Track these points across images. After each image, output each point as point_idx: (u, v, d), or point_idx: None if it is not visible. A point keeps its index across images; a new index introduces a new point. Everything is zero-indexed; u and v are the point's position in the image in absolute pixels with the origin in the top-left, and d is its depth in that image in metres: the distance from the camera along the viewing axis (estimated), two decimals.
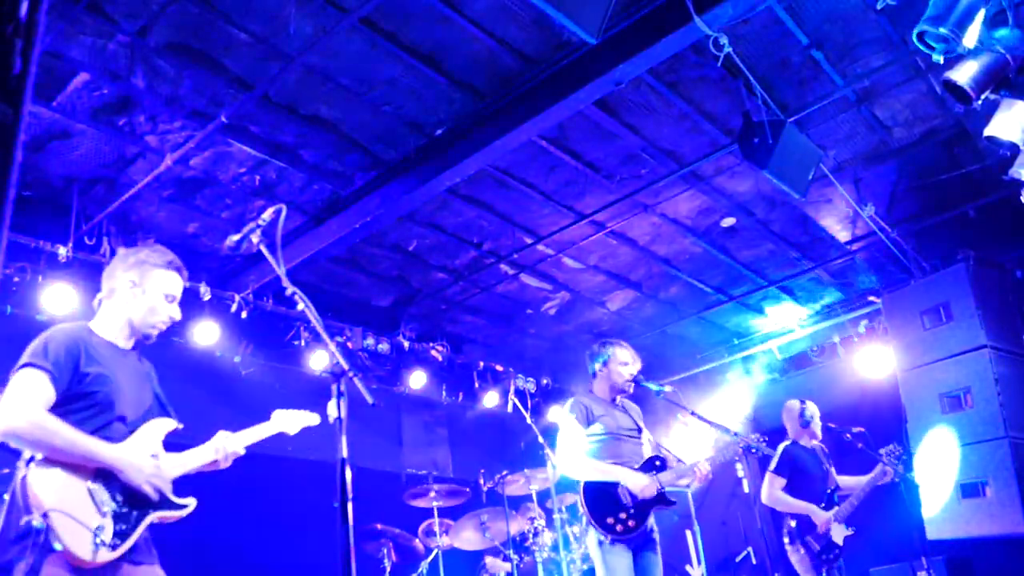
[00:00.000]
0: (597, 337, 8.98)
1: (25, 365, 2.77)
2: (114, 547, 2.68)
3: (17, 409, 2.66)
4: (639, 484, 4.55)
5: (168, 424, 3.07)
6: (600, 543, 4.46)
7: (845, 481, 5.87)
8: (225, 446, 3.16)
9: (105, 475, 2.77)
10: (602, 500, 4.56)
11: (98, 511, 2.70)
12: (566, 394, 9.33)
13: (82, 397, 2.83)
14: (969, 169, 6.55)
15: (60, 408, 2.76)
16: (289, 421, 3.56)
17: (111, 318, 3.10)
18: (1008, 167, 4.43)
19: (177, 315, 3.19)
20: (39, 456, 2.65)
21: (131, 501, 2.81)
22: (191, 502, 3.00)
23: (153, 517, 2.87)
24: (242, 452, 3.22)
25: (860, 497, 5.67)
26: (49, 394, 2.74)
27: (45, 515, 2.55)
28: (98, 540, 2.63)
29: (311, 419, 3.63)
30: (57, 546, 2.54)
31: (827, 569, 5.53)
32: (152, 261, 3.14)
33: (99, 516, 2.69)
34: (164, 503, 2.90)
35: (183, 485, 3.06)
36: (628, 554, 4.46)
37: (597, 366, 5.01)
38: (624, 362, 4.97)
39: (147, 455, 2.91)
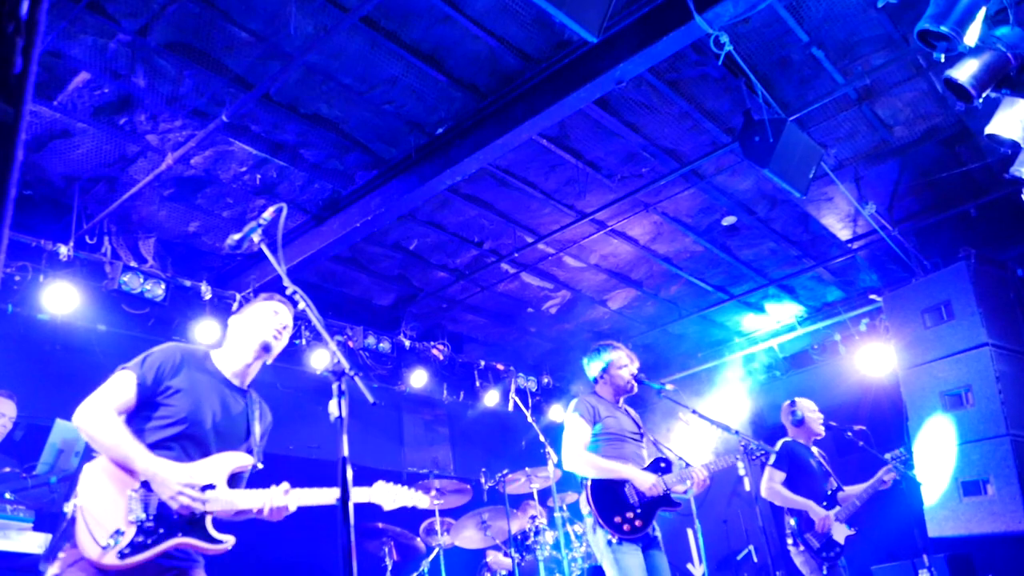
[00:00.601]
0: (598, 336, 9.01)
1: (123, 367, 2.97)
2: (123, 555, 2.70)
3: (88, 404, 2.86)
4: (647, 482, 4.56)
5: (240, 459, 3.06)
6: (609, 543, 4.44)
7: (847, 491, 5.82)
8: (270, 500, 3.01)
9: (149, 487, 2.82)
10: (609, 499, 4.55)
11: (125, 517, 2.74)
12: (567, 393, 9.35)
13: (154, 406, 2.95)
14: (970, 167, 6.55)
15: (139, 412, 2.93)
16: (388, 495, 3.31)
17: (228, 352, 3.27)
18: (1009, 165, 4.43)
19: (287, 321, 3.30)
20: (92, 446, 2.84)
21: (161, 518, 2.82)
22: (228, 539, 2.95)
23: (178, 541, 2.83)
24: (292, 509, 3.06)
25: (863, 498, 5.64)
26: (129, 396, 2.91)
27: (76, 507, 2.71)
28: (109, 543, 2.67)
29: (419, 500, 3.37)
30: (76, 539, 2.67)
31: (829, 567, 5.51)
32: (252, 302, 3.41)
33: (124, 522, 2.73)
34: (196, 531, 2.87)
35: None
36: (639, 552, 4.45)
37: (597, 373, 5.02)
38: (623, 364, 4.98)
39: (199, 482, 2.89)
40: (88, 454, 2.91)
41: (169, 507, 2.82)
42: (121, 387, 2.91)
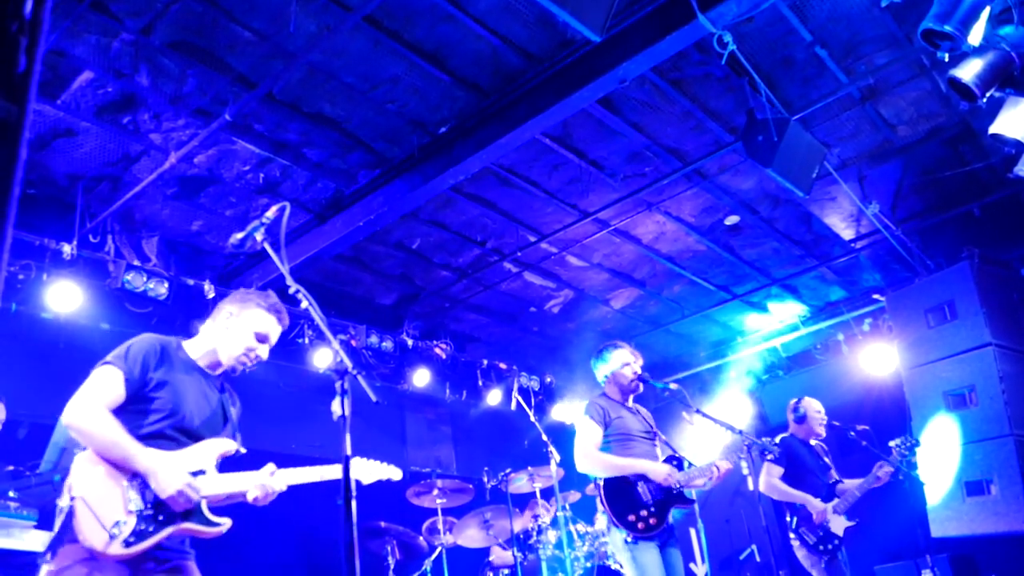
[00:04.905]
0: (601, 335, 9.01)
1: (105, 362, 2.91)
2: (128, 544, 2.71)
3: (80, 402, 2.81)
4: (661, 472, 4.58)
5: (226, 444, 3.08)
6: (626, 543, 4.43)
7: (846, 483, 5.83)
8: (268, 484, 3.06)
9: (140, 478, 2.82)
10: (623, 498, 4.55)
11: (124, 507, 2.74)
12: (570, 392, 9.35)
13: (142, 399, 2.92)
14: (974, 167, 6.54)
15: (127, 406, 2.89)
16: (364, 470, 3.34)
17: (202, 341, 3.22)
18: (1013, 165, 4.43)
19: (264, 355, 3.23)
20: (85, 445, 2.79)
21: (160, 506, 2.84)
22: (226, 522, 2.99)
23: (180, 527, 2.86)
24: (282, 489, 3.12)
25: (863, 489, 5.65)
26: (119, 391, 2.87)
27: (73, 499, 2.67)
28: (114, 532, 2.68)
29: (392, 473, 3.45)
30: (75, 531, 2.63)
31: (827, 560, 5.51)
32: (254, 299, 3.24)
33: (124, 512, 2.74)
34: (194, 516, 2.90)
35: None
36: (656, 550, 4.45)
37: (604, 374, 5.03)
38: (626, 362, 4.98)
39: (190, 468, 2.92)
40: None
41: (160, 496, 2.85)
42: (109, 383, 2.87)
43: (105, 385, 2.86)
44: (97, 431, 2.77)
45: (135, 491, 2.79)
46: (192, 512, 2.90)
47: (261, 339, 3.22)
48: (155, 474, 2.79)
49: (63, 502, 2.69)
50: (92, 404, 2.81)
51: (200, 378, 3.15)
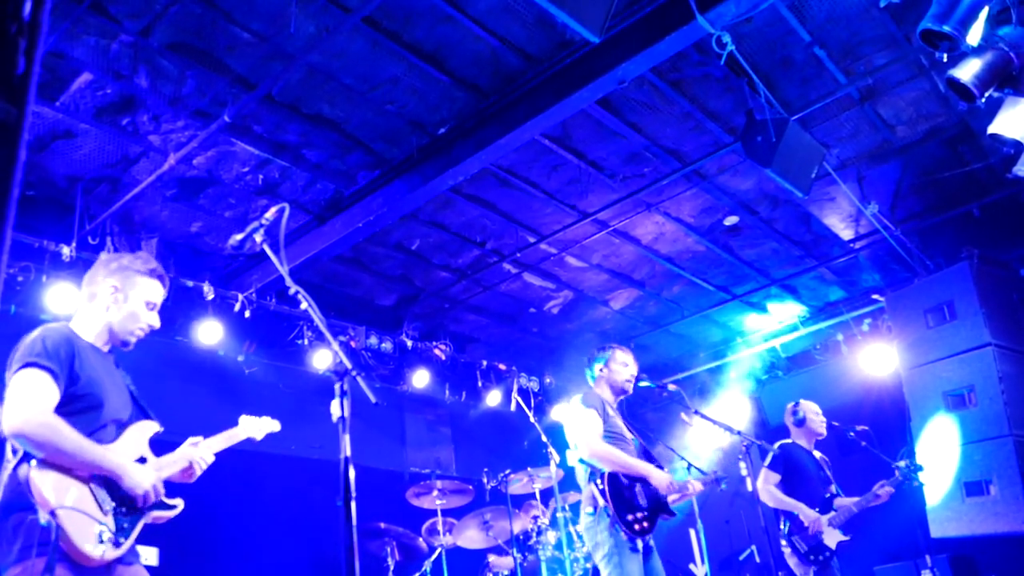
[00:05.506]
0: (601, 336, 9.01)
1: (28, 364, 2.71)
2: (117, 544, 2.68)
3: (27, 410, 2.63)
4: (664, 480, 4.57)
5: (152, 427, 3.04)
6: (618, 544, 4.39)
7: (843, 500, 5.82)
8: (197, 455, 3.08)
9: (102, 476, 2.76)
10: (622, 497, 4.54)
11: (100, 509, 2.70)
12: (569, 393, 9.33)
13: (77, 399, 2.79)
14: (973, 167, 6.54)
15: (59, 408, 2.73)
16: (254, 427, 3.47)
17: (91, 322, 3.06)
18: (1012, 165, 4.42)
19: (156, 323, 3.14)
20: (39, 455, 2.62)
21: (127, 500, 2.81)
22: (179, 502, 2.99)
23: (148, 516, 2.87)
24: (211, 459, 3.14)
25: (861, 506, 5.64)
26: (55, 395, 2.71)
27: (52, 513, 2.52)
28: (105, 538, 2.63)
29: (273, 426, 3.59)
30: (63, 545, 2.52)
31: (816, 570, 5.49)
32: (135, 268, 3.11)
33: (101, 514, 2.69)
34: (157, 504, 2.90)
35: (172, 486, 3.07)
36: (640, 555, 4.45)
37: (598, 368, 5.00)
38: (624, 363, 4.97)
39: (132, 457, 2.89)
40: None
41: (129, 493, 2.81)
42: (46, 389, 2.69)
43: (43, 391, 2.69)
44: (58, 439, 2.62)
45: (102, 490, 2.73)
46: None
47: (152, 307, 3.12)
48: (126, 474, 2.75)
49: (44, 518, 2.51)
50: (41, 412, 2.64)
51: (103, 360, 3.03)
